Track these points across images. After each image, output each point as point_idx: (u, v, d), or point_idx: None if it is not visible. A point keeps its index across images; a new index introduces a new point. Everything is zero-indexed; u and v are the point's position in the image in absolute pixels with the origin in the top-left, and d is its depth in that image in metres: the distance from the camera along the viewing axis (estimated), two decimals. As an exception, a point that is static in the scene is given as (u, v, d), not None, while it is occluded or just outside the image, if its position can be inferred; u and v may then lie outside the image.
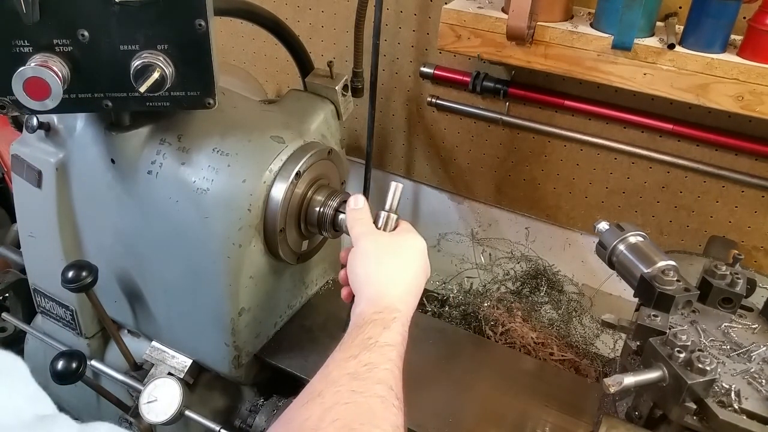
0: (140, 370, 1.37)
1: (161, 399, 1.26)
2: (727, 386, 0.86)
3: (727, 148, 1.57)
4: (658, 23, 1.42)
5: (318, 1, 1.93)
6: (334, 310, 1.41)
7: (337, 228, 1.16)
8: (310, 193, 1.17)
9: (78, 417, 1.61)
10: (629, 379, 0.86)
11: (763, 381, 0.88)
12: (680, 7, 1.44)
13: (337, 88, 1.34)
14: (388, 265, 0.93)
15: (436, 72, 1.84)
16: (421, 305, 1.68)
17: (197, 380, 1.35)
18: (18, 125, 1.33)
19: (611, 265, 1.06)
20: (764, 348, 0.93)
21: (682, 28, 1.36)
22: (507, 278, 1.88)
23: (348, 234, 1.02)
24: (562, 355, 1.46)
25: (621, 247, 1.03)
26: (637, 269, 0.99)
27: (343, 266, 0.99)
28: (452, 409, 1.18)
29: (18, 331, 1.66)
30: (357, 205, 1.01)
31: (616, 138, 1.70)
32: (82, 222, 1.30)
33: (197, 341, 1.29)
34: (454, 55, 1.75)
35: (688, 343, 0.88)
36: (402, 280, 0.92)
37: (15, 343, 1.70)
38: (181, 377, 1.31)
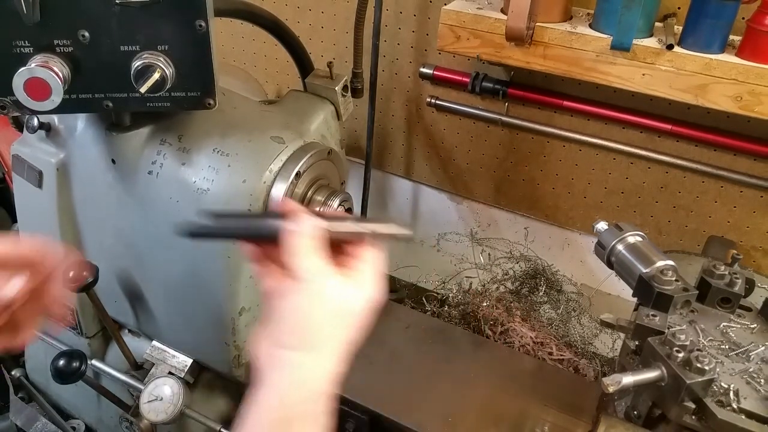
0: (141, 370, 1.38)
1: (162, 398, 1.27)
2: (726, 386, 0.87)
3: (726, 148, 1.58)
4: (657, 24, 1.43)
5: (318, 2, 1.93)
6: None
7: None
8: (310, 193, 1.18)
9: (79, 416, 1.61)
10: (628, 379, 0.86)
11: (762, 380, 0.88)
12: (679, 8, 1.45)
13: (336, 88, 1.35)
14: (341, 321, 0.71)
15: (435, 73, 1.84)
16: (420, 305, 1.69)
17: (198, 380, 1.36)
18: (19, 125, 1.33)
19: (610, 265, 1.06)
20: (763, 347, 0.94)
21: (680, 28, 1.36)
22: (506, 278, 1.88)
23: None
24: (561, 355, 1.46)
25: (620, 247, 1.03)
26: (635, 269, 0.99)
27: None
28: (451, 408, 1.18)
29: (18, 330, 1.66)
30: (305, 228, 0.72)
31: (615, 138, 1.70)
32: (82, 222, 1.30)
33: (197, 341, 1.30)
34: (454, 56, 1.75)
35: (687, 343, 0.88)
36: (351, 347, 0.72)
37: (15, 343, 1.70)
38: (182, 377, 1.31)
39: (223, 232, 0.78)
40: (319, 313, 0.70)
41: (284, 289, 0.71)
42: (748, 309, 1.02)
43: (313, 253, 0.71)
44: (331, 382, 0.70)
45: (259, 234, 0.77)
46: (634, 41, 1.34)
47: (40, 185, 1.27)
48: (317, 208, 1.16)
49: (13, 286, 0.70)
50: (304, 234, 0.72)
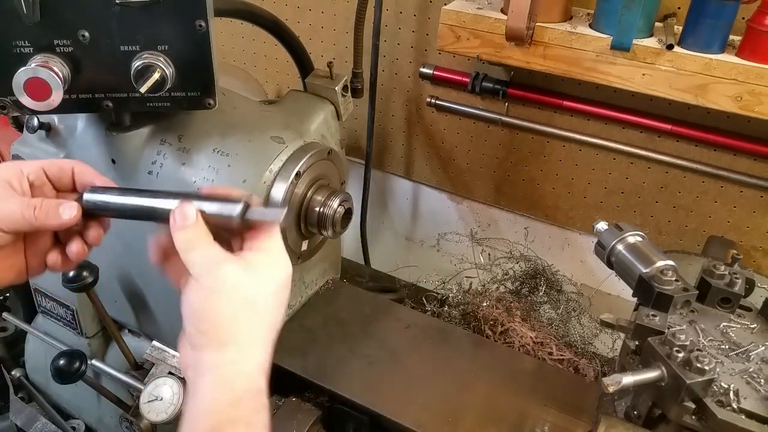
0: (141, 370, 1.38)
1: (162, 398, 1.27)
2: (726, 386, 0.87)
3: (726, 148, 1.58)
4: (657, 24, 1.43)
5: (318, 2, 1.93)
6: (334, 310, 1.41)
7: (336, 229, 1.16)
8: (309, 193, 1.18)
9: (79, 416, 1.61)
10: (628, 379, 0.86)
11: (762, 380, 0.88)
12: (679, 8, 1.45)
13: (336, 88, 1.35)
14: (251, 309, 0.66)
15: (435, 73, 1.84)
16: (420, 305, 1.68)
17: (197, 380, 1.36)
18: (19, 125, 1.33)
19: (610, 265, 1.06)
20: (762, 347, 0.94)
21: (680, 28, 1.36)
22: (506, 278, 1.87)
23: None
24: (561, 355, 1.45)
25: (620, 247, 1.03)
26: (635, 269, 0.99)
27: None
28: (451, 408, 1.18)
29: (19, 330, 1.66)
30: (188, 220, 0.67)
31: (615, 138, 1.70)
32: (82, 222, 1.30)
33: (197, 341, 1.30)
34: (454, 56, 1.75)
35: (687, 343, 0.88)
36: (270, 332, 0.67)
37: (16, 342, 1.70)
38: (182, 376, 1.31)
39: (104, 208, 0.75)
40: (223, 306, 0.64)
41: (186, 285, 0.66)
42: (748, 309, 1.02)
43: (202, 244, 0.66)
44: (258, 375, 0.64)
45: (147, 216, 0.72)
46: (634, 41, 1.34)
47: (40, 185, 1.27)
48: (317, 208, 1.16)
49: (70, 212, 0.73)
50: (186, 226, 0.66)
